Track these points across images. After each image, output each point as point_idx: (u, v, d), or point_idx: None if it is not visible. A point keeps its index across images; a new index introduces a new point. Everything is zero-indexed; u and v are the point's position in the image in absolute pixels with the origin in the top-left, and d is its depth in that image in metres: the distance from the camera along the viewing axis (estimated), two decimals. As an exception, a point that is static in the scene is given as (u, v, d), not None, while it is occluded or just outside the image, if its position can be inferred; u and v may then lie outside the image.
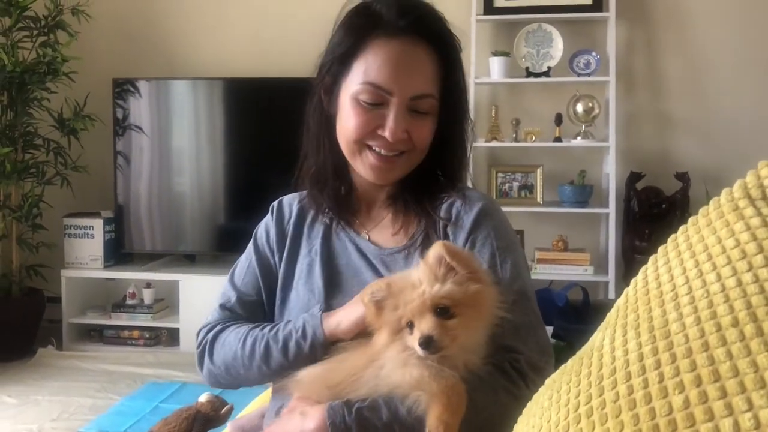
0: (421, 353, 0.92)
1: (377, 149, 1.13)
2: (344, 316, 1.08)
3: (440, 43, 1.14)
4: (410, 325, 0.94)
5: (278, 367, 1.12)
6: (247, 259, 1.28)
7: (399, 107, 1.10)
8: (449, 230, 1.15)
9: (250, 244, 1.29)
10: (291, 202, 1.30)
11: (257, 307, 1.25)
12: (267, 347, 1.12)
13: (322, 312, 1.11)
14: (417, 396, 0.92)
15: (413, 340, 0.92)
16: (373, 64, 1.10)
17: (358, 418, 0.95)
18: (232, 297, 1.25)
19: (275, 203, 1.32)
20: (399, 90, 1.10)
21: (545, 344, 1.07)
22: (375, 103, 1.11)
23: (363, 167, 1.16)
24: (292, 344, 1.10)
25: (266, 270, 1.26)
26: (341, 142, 1.16)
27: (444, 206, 1.17)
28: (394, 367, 0.95)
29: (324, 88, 1.17)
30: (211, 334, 1.21)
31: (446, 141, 1.19)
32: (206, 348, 1.20)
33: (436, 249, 0.97)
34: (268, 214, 1.30)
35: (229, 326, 1.20)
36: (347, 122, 1.13)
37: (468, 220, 1.14)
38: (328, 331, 1.08)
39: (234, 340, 1.17)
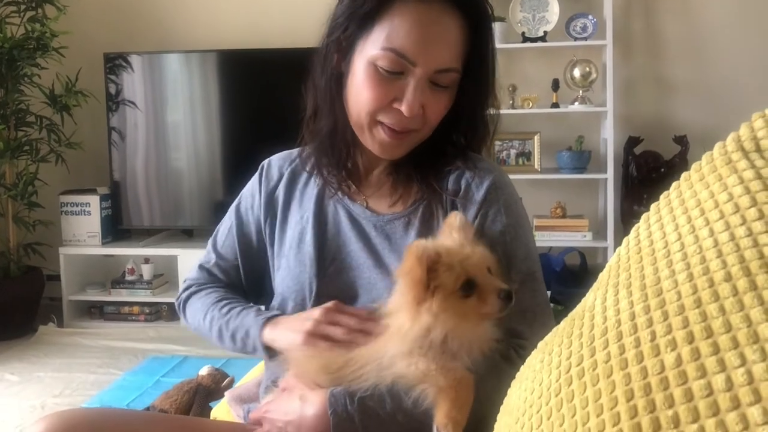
0: (498, 309, 0.90)
1: (389, 124, 1.05)
2: (279, 336, 1.08)
3: (472, 12, 1.04)
4: (465, 287, 0.91)
5: (232, 350, 1.16)
6: (229, 220, 1.27)
7: (420, 80, 1.02)
8: (458, 203, 1.10)
9: (233, 207, 1.28)
10: (281, 163, 1.25)
11: (235, 271, 1.27)
12: (220, 331, 1.16)
13: (267, 320, 1.10)
14: (423, 389, 0.90)
15: (487, 298, 0.90)
16: (400, 29, 1.00)
17: (361, 408, 0.93)
18: (212, 259, 1.28)
19: (264, 163, 1.27)
20: (424, 61, 1.01)
21: (551, 327, 1.04)
22: (394, 71, 1.02)
23: (371, 141, 1.09)
24: (238, 338, 1.14)
25: (244, 237, 1.25)
26: (352, 110, 1.08)
27: (452, 178, 1.12)
28: (399, 356, 0.93)
29: (337, 45, 1.08)
30: (185, 295, 1.27)
31: (464, 114, 1.12)
32: (181, 307, 1.28)
33: (459, 216, 0.98)
34: (256, 175, 1.26)
35: (201, 291, 1.25)
36: (361, 92, 1.05)
37: (479, 193, 1.09)
38: (265, 342, 1.10)
39: (199, 309, 1.22)
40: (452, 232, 0.97)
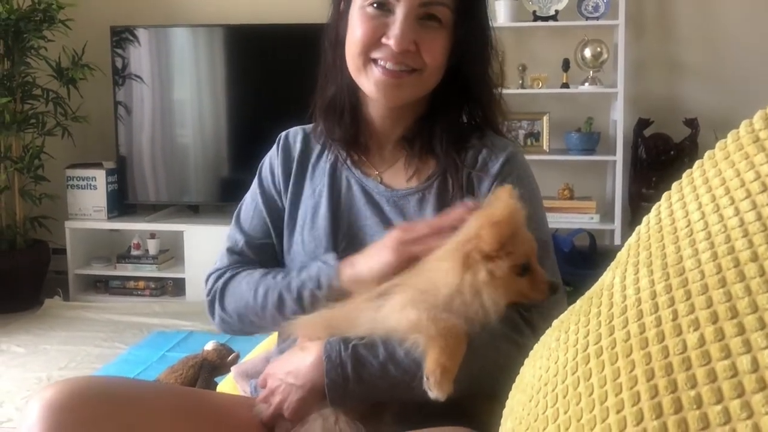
0: (543, 297, 0.94)
1: (382, 59, 1.05)
2: (364, 266, 1.02)
3: None
4: (524, 266, 0.92)
5: (294, 316, 1.08)
6: (252, 199, 1.22)
7: (407, 14, 1.02)
8: (474, 176, 1.10)
9: (255, 183, 1.23)
10: (295, 137, 1.23)
11: (268, 249, 1.20)
12: (281, 297, 1.08)
13: (338, 260, 1.06)
14: (414, 339, 0.90)
15: (539, 285, 0.93)
16: None
17: (354, 355, 0.94)
18: (240, 240, 1.19)
19: (281, 135, 1.24)
20: None
21: (560, 297, 1.03)
22: (380, 8, 1.04)
23: (368, 84, 1.08)
24: (306, 294, 1.06)
25: (273, 211, 1.20)
26: (348, 61, 1.09)
27: (469, 154, 1.12)
28: (392, 309, 0.93)
29: (338, 12, 1.12)
30: (220, 282, 1.16)
31: (467, 75, 1.11)
32: (216, 296, 1.16)
33: (509, 192, 0.95)
34: (274, 148, 1.24)
35: (239, 273, 1.16)
36: (352, 35, 1.07)
37: (494, 167, 1.10)
38: (344, 282, 1.03)
39: (246, 289, 1.13)
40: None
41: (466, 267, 0.90)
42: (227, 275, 1.16)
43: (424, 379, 0.88)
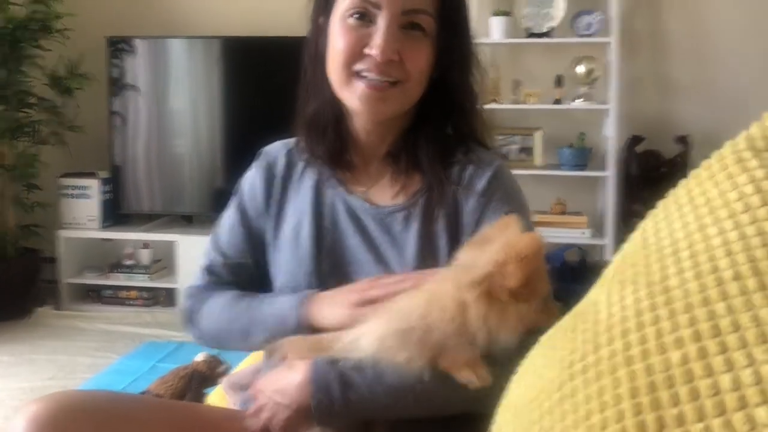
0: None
1: (366, 74, 1.04)
2: (328, 314, 1.02)
3: None
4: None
5: (260, 344, 1.10)
6: (230, 218, 1.21)
7: (388, 23, 1.02)
8: (459, 194, 1.09)
9: (234, 202, 1.21)
10: (277, 153, 1.21)
11: (244, 269, 1.19)
12: (247, 326, 1.09)
13: (305, 298, 1.05)
14: (381, 359, 0.91)
15: (554, 313, 0.90)
16: None
17: (341, 376, 0.94)
18: (217, 260, 1.19)
19: (262, 152, 1.23)
20: (388, 3, 1.01)
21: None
22: (363, 18, 1.03)
23: (352, 97, 1.06)
24: (270, 327, 1.07)
25: (251, 231, 1.18)
26: (331, 75, 1.08)
27: (455, 170, 1.11)
28: (368, 333, 0.93)
29: (317, 27, 1.11)
30: (193, 302, 1.17)
31: (450, 85, 1.11)
32: (191, 316, 1.17)
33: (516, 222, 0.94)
34: (254, 165, 1.22)
35: (212, 295, 1.16)
36: (334, 48, 1.06)
37: (480, 184, 1.09)
38: (307, 323, 1.04)
39: (216, 312, 1.13)
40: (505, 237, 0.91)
41: (486, 305, 0.85)
42: (200, 296, 1.17)
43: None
